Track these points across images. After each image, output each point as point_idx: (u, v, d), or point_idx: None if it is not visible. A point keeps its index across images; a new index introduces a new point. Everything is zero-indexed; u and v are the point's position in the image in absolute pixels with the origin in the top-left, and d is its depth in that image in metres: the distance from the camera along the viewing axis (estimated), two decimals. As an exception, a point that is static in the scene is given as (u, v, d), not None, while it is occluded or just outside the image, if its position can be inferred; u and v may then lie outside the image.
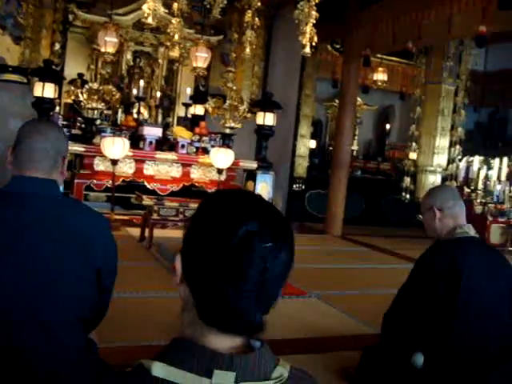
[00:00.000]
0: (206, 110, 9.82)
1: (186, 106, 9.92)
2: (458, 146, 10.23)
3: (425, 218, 2.97)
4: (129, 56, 9.87)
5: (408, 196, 10.02)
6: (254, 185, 9.02)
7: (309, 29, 6.19)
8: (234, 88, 9.51)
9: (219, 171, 8.50)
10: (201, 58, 8.92)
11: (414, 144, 10.32)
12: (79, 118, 9.27)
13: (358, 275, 6.64)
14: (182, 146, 8.98)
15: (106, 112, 9.43)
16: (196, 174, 9.09)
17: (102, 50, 8.69)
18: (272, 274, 0.97)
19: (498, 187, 9.41)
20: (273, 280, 0.98)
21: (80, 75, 9.49)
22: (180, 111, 10.27)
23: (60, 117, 9.10)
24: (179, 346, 0.99)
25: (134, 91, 9.58)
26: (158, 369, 0.95)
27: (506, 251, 7.93)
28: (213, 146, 9.10)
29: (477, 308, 2.77)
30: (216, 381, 0.94)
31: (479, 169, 9.58)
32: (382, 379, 3.04)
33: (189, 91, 9.80)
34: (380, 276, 6.59)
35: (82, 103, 8.81)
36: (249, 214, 0.97)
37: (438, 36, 8.10)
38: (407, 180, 10.10)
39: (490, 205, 9.07)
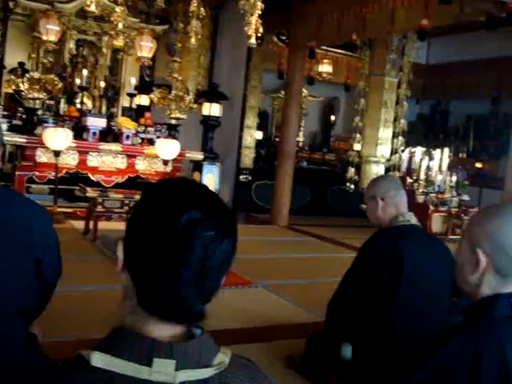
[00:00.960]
0: (152, 101, 9.72)
1: (131, 96, 9.78)
2: (400, 138, 10.43)
3: (368, 207, 3.03)
4: (72, 45, 9.65)
5: (352, 186, 10.16)
6: (201, 176, 8.99)
7: (254, 20, 6.19)
8: (180, 78, 9.44)
9: (165, 162, 8.44)
10: (146, 48, 8.83)
11: (358, 135, 10.46)
12: (20, 108, 9.01)
13: (303, 265, 6.72)
14: (127, 137, 8.86)
15: (48, 102, 9.21)
16: (141, 165, 8.99)
17: (44, 38, 8.50)
18: (213, 263, 0.97)
19: (440, 177, 9.65)
20: (214, 269, 0.98)
21: (21, 64, 9.23)
22: (125, 101, 10.12)
23: (0, 107, 8.85)
24: (119, 335, 0.98)
25: (77, 81, 9.39)
26: (98, 358, 0.94)
27: (447, 239, 8.15)
28: (158, 137, 9.02)
29: (417, 294, 2.85)
30: (156, 369, 0.93)
31: (421, 159, 9.80)
32: (327, 366, 3.09)
33: (133, 81, 9.67)
34: (325, 265, 6.68)
35: (22, 93, 8.57)
36: (191, 202, 0.97)
37: (382, 29, 8.22)
38: (351, 170, 10.25)
39: (431, 194, 9.30)
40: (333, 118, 13.50)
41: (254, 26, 6.19)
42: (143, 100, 9.79)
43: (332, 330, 3.09)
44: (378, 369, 2.79)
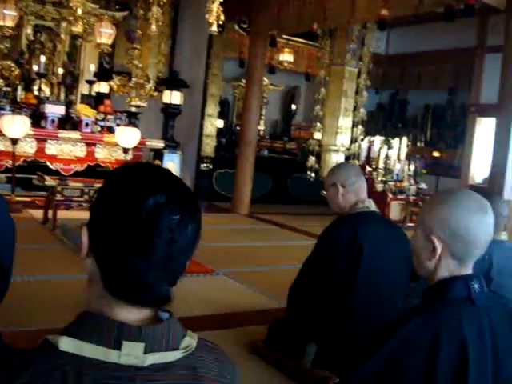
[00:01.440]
0: (111, 88, 9.59)
1: (90, 83, 9.63)
2: (360, 127, 10.53)
3: (328, 194, 3.08)
4: (29, 30, 9.44)
5: (313, 175, 10.22)
6: (161, 164, 8.93)
7: (216, 7, 6.17)
8: (140, 65, 9.34)
9: (125, 151, 8.35)
10: (105, 34, 8.71)
11: (318, 124, 10.51)
12: (-24, 95, 8.80)
13: (265, 252, 6.76)
14: (86, 125, 8.74)
15: (4, 89, 8.99)
16: (101, 153, 8.87)
17: (1, 23, 8.30)
18: (179, 247, 0.98)
19: (398, 166, 9.80)
20: (180, 252, 0.99)
21: (-24, 50, 9.01)
22: (84, 89, 9.96)
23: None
24: (86, 319, 0.98)
25: (35, 67, 9.20)
26: (65, 343, 0.94)
27: (405, 227, 8.29)
28: (118, 125, 8.92)
29: (376, 281, 2.91)
30: (125, 352, 0.94)
31: (380, 148, 9.93)
32: (288, 350, 3.14)
33: (93, 68, 9.52)
34: (287, 252, 6.73)
35: (-22, 79, 8.38)
36: (157, 186, 0.98)
37: (342, 18, 8.28)
38: (312, 159, 10.30)
39: (390, 183, 9.44)
40: (293, 106, 13.55)
41: (215, 13, 6.17)
42: (102, 87, 9.65)
43: (293, 315, 3.14)
44: (339, 360, 2.84)
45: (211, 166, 10.91)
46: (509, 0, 6.96)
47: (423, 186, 9.75)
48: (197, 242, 1.03)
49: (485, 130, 11.50)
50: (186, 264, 1.03)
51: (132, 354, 0.94)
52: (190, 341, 1.03)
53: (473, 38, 11.66)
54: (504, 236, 3.57)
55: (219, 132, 11.59)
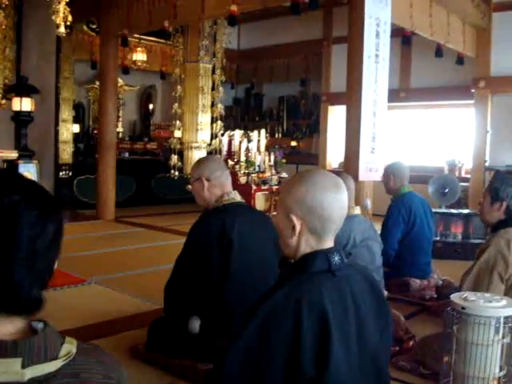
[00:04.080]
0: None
1: None
2: (219, 122, 10.63)
3: (194, 189, 3.10)
4: None
5: (177, 173, 10.20)
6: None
7: (62, 8, 5.95)
8: (-15, 73, 8.80)
9: (-25, 164, 7.86)
10: None
11: (177, 122, 10.48)
12: None
13: (136, 256, 6.66)
14: None
15: None
16: None
17: None
18: (43, 244, 0.98)
19: (259, 158, 10.02)
20: (44, 250, 0.98)
21: None
22: None
23: None
24: None
25: None
26: None
27: (272, 215, 8.50)
28: (-35, 138, 8.36)
29: (248, 269, 2.98)
30: (2, 370, 0.90)
31: (240, 142, 10.09)
32: (170, 349, 3.13)
33: None
34: (158, 253, 6.69)
35: None
36: (10, 187, 0.98)
37: (193, 16, 8.29)
38: (174, 158, 10.25)
39: (252, 175, 9.63)
40: (151, 106, 13.40)
41: (62, 14, 5.95)
42: None
43: (171, 313, 3.13)
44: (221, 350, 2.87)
45: (71, 174, 10.55)
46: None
47: (284, 174, 10.04)
48: (61, 237, 1.03)
49: (337, 117, 12.09)
50: (54, 263, 1.03)
51: (10, 370, 0.91)
52: (70, 347, 1.01)
53: (320, 30, 12.20)
54: (357, 210, 3.82)
55: (76, 137, 11.23)
